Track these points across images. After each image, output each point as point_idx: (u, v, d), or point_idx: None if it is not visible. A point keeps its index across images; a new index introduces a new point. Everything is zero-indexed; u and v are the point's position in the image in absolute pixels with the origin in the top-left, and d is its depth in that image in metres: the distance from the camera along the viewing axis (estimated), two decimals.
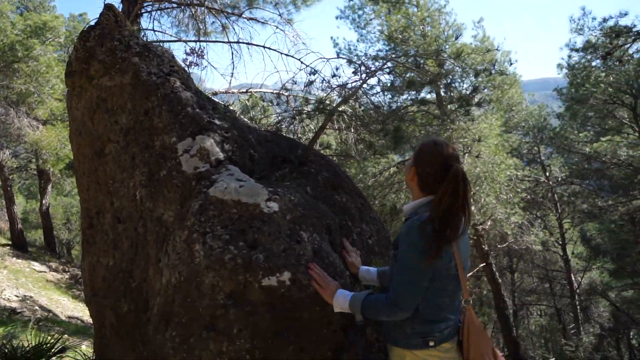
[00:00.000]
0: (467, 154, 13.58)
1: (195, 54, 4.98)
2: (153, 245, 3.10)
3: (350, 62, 4.47)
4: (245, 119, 3.99)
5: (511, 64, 15.06)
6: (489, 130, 13.70)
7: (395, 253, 2.39)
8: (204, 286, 2.66)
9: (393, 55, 13.92)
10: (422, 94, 14.83)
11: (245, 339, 2.53)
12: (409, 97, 14.85)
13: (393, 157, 15.32)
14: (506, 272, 21.46)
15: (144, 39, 6.84)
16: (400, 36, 15.20)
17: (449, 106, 14.40)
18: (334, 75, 4.31)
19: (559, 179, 19.86)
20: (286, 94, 6.59)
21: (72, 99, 3.79)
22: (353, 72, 4.45)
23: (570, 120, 19.52)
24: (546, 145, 20.03)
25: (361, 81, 4.44)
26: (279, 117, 4.33)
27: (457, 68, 14.64)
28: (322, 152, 4.35)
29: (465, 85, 14.75)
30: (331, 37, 15.53)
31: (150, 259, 3.13)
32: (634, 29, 9.31)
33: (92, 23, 3.69)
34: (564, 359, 13.37)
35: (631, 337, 23.01)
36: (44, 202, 21.98)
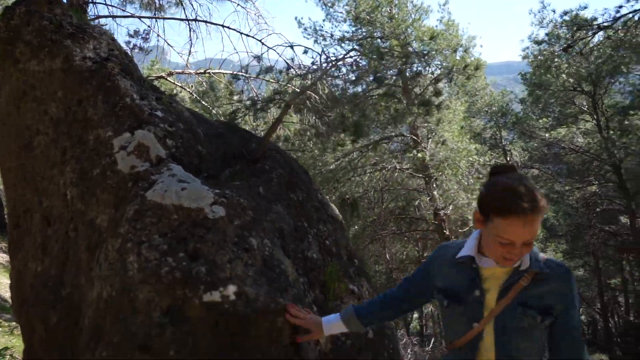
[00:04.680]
0: (430, 140, 13.53)
1: (140, 37, 4.57)
2: (85, 251, 2.80)
3: (307, 51, 4.17)
4: (196, 109, 3.66)
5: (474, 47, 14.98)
6: (453, 115, 13.66)
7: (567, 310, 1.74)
8: (138, 302, 2.39)
9: (357, 44, 13.65)
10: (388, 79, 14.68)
11: None
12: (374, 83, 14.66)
13: (360, 141, 15.16)
14: None
15: (94, 13, 6.33)
16: (367, 17, 14.90)
17: (414, 90, 14.29)
18: (289, 68, 4.02)
19: (519, 163, 20.17)
20: (245, 74, 6.24)
21: None
22: (312, 63, 4.20)
23: (532, 105, 19.76)
24: (508, 131, 20.26)
25: (320, 72, 4.17)
26: (233, 107, 4.05)
27: (424, 51, 14.52)
28: (279, 145, 4.09)
29: (431, 70, 14.66)
30: (295, 17, 15.07)
31: (82, 265, 2.83)
32: (595, 22, 9.33)
33: None
34: None
35: (580, 313, 23.95)
36: None
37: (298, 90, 3.76)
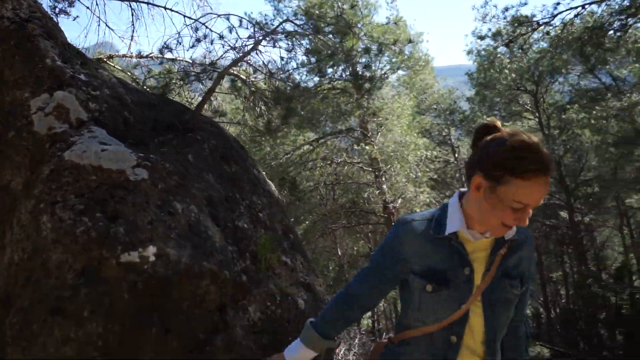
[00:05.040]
0: (379, 133, 13.71)
1: (67, 1, 4.39)
2: None
3: (242, 21, 4.12)
4: (128, 81, 3.55)
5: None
6: (402, 110, 13.89)
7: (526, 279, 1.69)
8: (51, 263, 2.29)
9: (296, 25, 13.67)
10: (339, 73, 14.78)
11: (98, 322, 2.21)
12: (326, 75, 14.75)
13: (308, 135, 15.19)
14: None
15: None
16: (317, 12, 14.94)
17: (365, 85, 14.45)
18: (222, 37, 3.97)
19: (467, 160, 20.76)
20: (175, 56, 6.08)
21: None
22: (248, 37, 4.16)
23: (479, 104, 20.34)
24: (456, 128, 20.79)
25: (254, 42, 4.13)
26: (166, 79, 3.94)
27: (372, 47, 14.69)
28: (215, 120, 4.02)
29: (380, 65, 14.87)
30: (245, 12, 14.93)
31: None
32: (534, 19, 9.68)
33: None
34: None
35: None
36: None
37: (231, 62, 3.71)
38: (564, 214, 19.29)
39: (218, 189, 3.18)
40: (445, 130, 20.44)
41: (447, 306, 1.54)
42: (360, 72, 14.87)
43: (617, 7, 8.63)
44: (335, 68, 14.41)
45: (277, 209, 3.90)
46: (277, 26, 4.57)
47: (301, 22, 5.34)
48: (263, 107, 6.96)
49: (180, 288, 2.43)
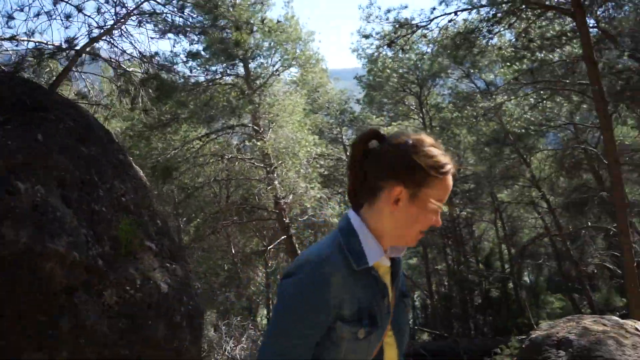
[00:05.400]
0: (271, 130, 13.80)
1: None
2: None
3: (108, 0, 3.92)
4: None
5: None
6: (293, 107, 14.09)
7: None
8: None
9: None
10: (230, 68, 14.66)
11: None
12: (218, 70, 14.56)
13: (200, 131, 14.87)
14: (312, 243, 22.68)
15: None
16: (209, 5, 14.69)
17: (257, 81, 14.47)
18: (79, 9, 3.76)
19: None
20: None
21: None
22: (114, 14, 3.98)
23: (368, 105, 21.22)
24: (347, 127, 21.50)
25: (114, 21, 3.97)
26: (19, 57, 3.66)
27: (265, 43, 14.76)
28: (76, 102, 3.80)
29: (272, 61, 14.97)
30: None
31: None
32: (413, 22, 10.31)
33: None
34: None
35: (414, 299, 26.32)
36: None
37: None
38: (445, 209, 20.72)
39: (72, 171, 3.03)
40: (337, 129, 21.05)
41: (373, 348, 1.31)
42: (252, 68, 14.89)
43: (484, 15, 9.47)
44: (227, 63, 14.30)
45: (144, 194, 3.79)
46: (138, 5, 4.40)
47: (162, 2, 5.15)
48: (145, 97, 6.72)
49: (18, 269, 2.30)
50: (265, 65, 14.80)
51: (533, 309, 15.29)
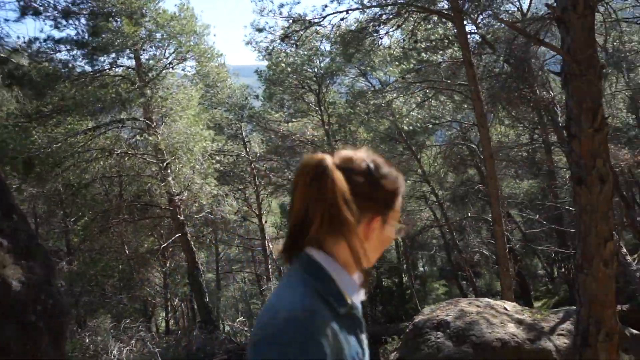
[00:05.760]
0: (164, 124, 13.36)
1: None
2: None
3: None
4: None
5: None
6: (188, 101, 13.74)
7: None
8: None
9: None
10: (121, 59, 13.97)
11: None
12: (107, 61, 13.80)
13: (89, 123, 13.99)
14: (212, 243, 22.23)
15: None
16: None
17: (149, 73, 13.91)
18: None
19: (258, 154, 21.48)
20: None
21: None
22: None
23: (269, 100, 21.22)
24: (247, 123, 21.35)
25: None
26: None
27: (158, 34, 14.23)
28: None
29: (166, 53, 14.48)
30: None
31: None
32: (306, 18, 10.48)
33: None
34: (253, 315, 14.72)
35: None
36: None
37: None
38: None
39: None
40: (237, 124, 20.84)
41: None
42: (144, 60, 14.29)
43: (371, 15, 9.86)
44: (117, 53, 13.60)
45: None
46: None
47: None
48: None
49: None
50: (159, 57, 14.29)
51: (421, 296, 16.25)
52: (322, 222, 1.10)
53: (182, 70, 15.02)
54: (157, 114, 13.72)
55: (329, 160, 1.12)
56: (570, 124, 3.87)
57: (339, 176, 1.10)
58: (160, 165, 13.25)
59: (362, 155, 1.18)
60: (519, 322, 7.42)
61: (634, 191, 31.28)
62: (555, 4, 4.08)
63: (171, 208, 13.58)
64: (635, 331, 7.75)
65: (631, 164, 18.59)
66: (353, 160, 1.16)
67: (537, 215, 13.65)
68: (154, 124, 13.57)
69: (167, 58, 14.27)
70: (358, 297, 1.17)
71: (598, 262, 3.72)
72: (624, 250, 9.21)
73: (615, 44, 11.90)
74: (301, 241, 1.14)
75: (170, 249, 18.69)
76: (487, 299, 8.63)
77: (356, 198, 1.11)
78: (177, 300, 22.88)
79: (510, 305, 8.19)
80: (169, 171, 13.33)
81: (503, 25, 13.09)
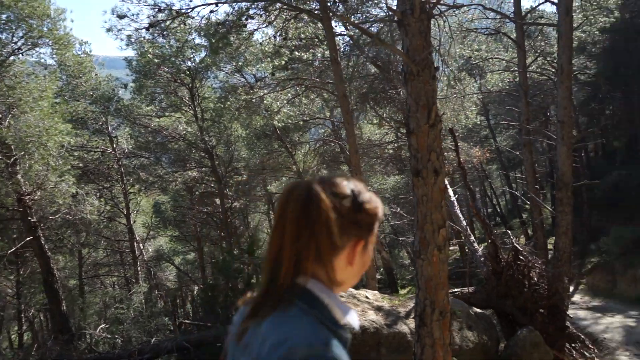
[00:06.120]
0: (10, 115, 12.03)
1: None
2: None
3: None
4: None
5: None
6: (41, 91, 12.50)
7: None
8: None
9: None
10: None
11: None
12: None
13: None
14: (74, 247, 20.51)
15: None
16: None
17: None
18: None
19: (126, 150, 20.29)
20: None
21: None
22: None
23: (138, 93, 20.11)
24: (113, 116, 20.05)
25: None
26: None
27: (2, 15, 12.80)
28: None
29: (14, 37, 13.07)
30: None
31: None
32: (174, 7, 10.08)
33: None
34: (116, 320, 13.90)
35: (195, 294, 25.94)
36: None
37: None
38: (218, 201, 20.90)
39: None
40: (103, 118, 19.47)
41: None
42: None
43: (238, 8, 9.74)
44: None
45: None
46: None
47: None
48: None
49: None
50: (5, 41, 12.85)
51: None
52: (314, 248, 1.10)
53: (35, 58, 13.63)
54: (3, 104, 12.34)
55: (317, 186, 1.13)
56: (409, 120, 4.13)
57: (329, 202, 1.11)
58: (7, 161, 11.92)
59: (344, 181, 1.19)
60: (379, 309, 7.82)
61: (485, 185, 34.82)
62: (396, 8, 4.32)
63: (21, 209, 12.28)
64: (479, 310, 8.60)
65: (482, 160, 20.61)
66: (337, 185, 1.16)
67: (399, 209, 14.51)
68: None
69: (16, 43, 12.88)
70: (352, 318, 1.16)
71: (433, 248, 4.02)
72: (473, 237, 10.11)
73: (458, 50, 13.04)
74: (287, 269, 1.11)
75: (26, 255, 16.92)
76: (350, 289, 9.02)
77: (342, 223, 1.13)
78: (32, 310, 20.84)
79: (371, 294, 8.60)
80: (17, 168, 12.05)
81: (371, 26, 13.73)
